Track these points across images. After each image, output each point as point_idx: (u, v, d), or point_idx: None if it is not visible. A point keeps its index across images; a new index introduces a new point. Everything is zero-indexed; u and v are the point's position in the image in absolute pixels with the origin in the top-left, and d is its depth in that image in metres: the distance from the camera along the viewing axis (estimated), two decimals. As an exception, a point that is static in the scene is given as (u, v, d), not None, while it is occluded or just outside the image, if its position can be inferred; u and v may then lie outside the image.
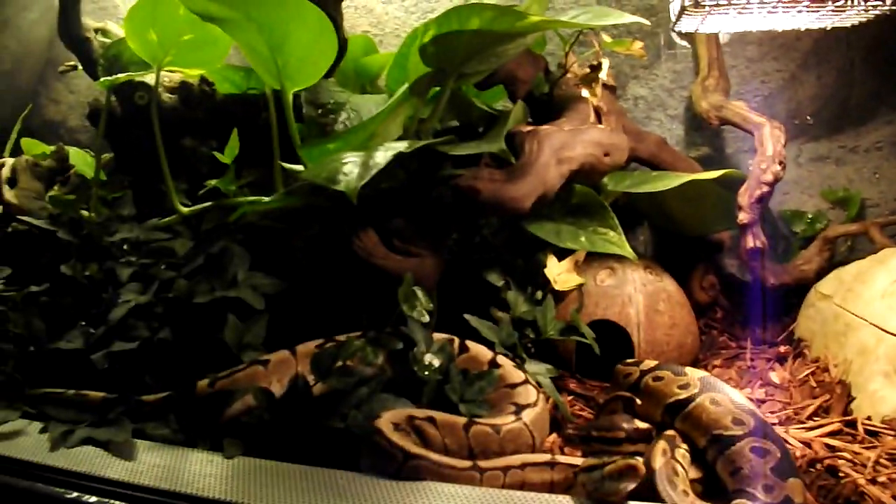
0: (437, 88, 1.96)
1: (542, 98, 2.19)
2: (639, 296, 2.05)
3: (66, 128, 3.26)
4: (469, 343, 1.78)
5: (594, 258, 2.11)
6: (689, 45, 2.53)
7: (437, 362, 1.68)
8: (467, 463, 1.41)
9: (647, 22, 1.91)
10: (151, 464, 1.45)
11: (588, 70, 2.14)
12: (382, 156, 1.64)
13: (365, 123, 1.87)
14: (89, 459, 1.48)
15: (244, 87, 2.41)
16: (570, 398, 1.89)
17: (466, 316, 1.84)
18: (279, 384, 1.65)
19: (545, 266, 2.04)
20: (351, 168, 1.64)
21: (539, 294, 2.02)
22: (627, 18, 1.87)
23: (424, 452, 1.40)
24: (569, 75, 2.19)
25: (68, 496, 1.40)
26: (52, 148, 2.58)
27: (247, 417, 1.57)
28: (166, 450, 1.52)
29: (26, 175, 2.37)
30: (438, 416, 1.53)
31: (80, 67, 2.60)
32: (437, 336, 1.75)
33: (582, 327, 1.94)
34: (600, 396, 1.88)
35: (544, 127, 1.98)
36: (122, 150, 2.36)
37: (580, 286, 2.06)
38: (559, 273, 2.05)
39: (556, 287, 2.03)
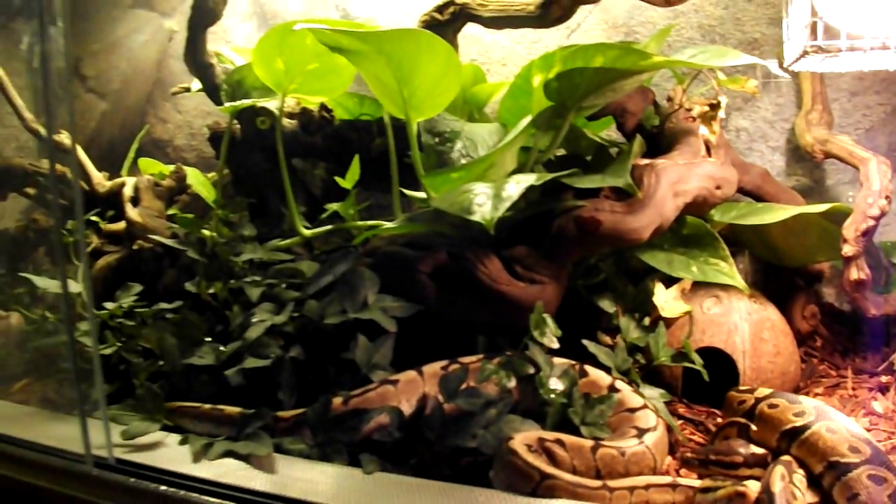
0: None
1: (651, 131, 2.24)
2: (744, 324, 2.08)
3: (172, 146, 3.37)
4: (588, 367, 1.83)
5: (699, 287, 2.15)
6: (789, 77, 2.56)
7: (560, 386, 1.74)
8: (598, 483, 1.46)
9: (763, 62, 1.96)
10: (294, 477, 1.53)
11: (707, 108, 2.19)
12: (515, 188, 1.71)
13: (490, 155, 1.94)
14: (232, 472, 1.56)
15: (356, 114, 2.50)
16: (679, 422, 1.94)
17: (585, 342, 1.89)
18: (408, 403, 1.72)
19: (654, 294, 2.09)
20: (483, 199, 1.71)
21: (647, 321, 2.07)
22: (745, 59, 1.92)
23: (559, 472, 1.45)
24: (682, 110, 2.24)
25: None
26: (170, 167, 2.69)
27: (379, 435, 1.65)
28: (305, 464, 1.59)
29: (148, 194, 2.48)
30: (566, 438, 1.59)
31: (192, 89, 2.71)
32: (558, 361, 1.81)
33: (692, 354, 1.98)
34: (709, 421, 1.93)
35: (661, 161, 2.03)
36: (240, 172, 2.46)
37: (688, 314, 2.10)
38: (667, 301, 2.10)
39: (664, 314, 2.08)
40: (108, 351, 2.03)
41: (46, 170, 2.82)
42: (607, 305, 2.06)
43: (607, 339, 2.00)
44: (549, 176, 1.82)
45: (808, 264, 2.40)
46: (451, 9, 2.20)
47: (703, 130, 2.15)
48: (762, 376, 2.03)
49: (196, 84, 2.71)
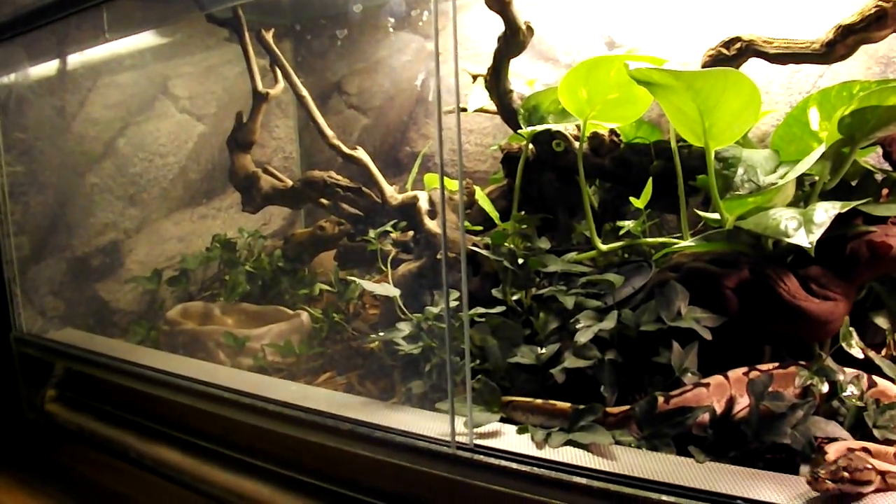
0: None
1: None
2: None
3: (433, 161, 3.65)
4: (876, 378, 2.02)
5: (963, 308, 2.30)
6: None
7: (856, 392, 1.95)
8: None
9: None
10: (634, 463, 1.76)
11: None
12: (824, 215, 1.91)
13: (786, 184, 2.14)
14: (577, 457, 1.81)
15: (631, 137, 2.73)
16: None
17: (870, 353, 2.09)
18: (718, 404, 1.93)
19: (920, 313, 2.26)
20: (795, 224, 1.91)
21: (913, 337, 2.24)
22: None
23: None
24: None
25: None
26: (456, 182, 2.97)
27: (697, 430, 1.88)
28: (640, 453, 1.83)
29: (446, 207, 2.75)
30: (871, 446, 1.76)
31: (469, 110, 2.98)
32: (849, 370, 2.01)
33: (962, 367, 2.15)
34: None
35: (943, 190, 2.20)
36: (531, 190, 2.71)
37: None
38: (932, 319, 2.27)
39: (927, 332, 2.25)
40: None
41: (344, 182, 3.14)
42: (882, 322, 2.23)
43: (874, 354, 2.17)
44: (853, 204, 2.00)
45: None
46: (738, 45, 2.37)
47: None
48: None
49: (472, 105, 2.98)
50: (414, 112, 3.78)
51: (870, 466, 1.60)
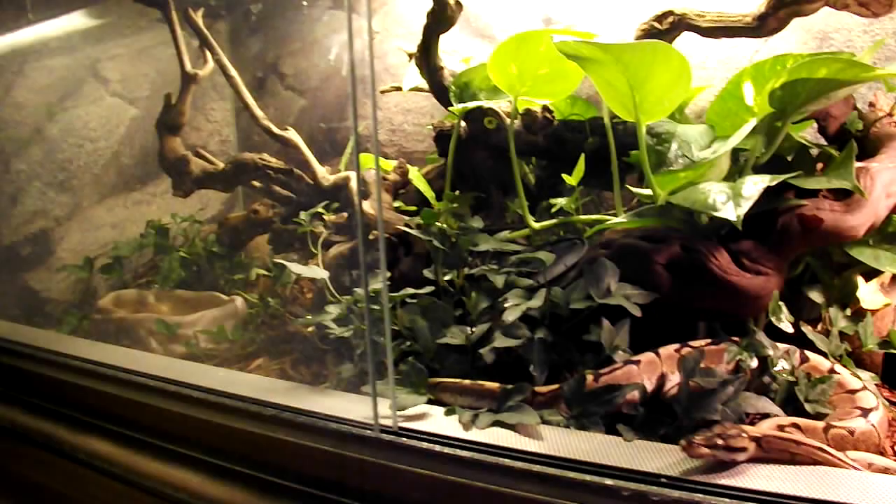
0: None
1: (855, 134, 2.38)
2: (940, 315, 2.22)
3: (372, 142, 3.59)
4: (808, 353, 1.99)
5: (896, 280, 2.29)
6: None
7: (787, 367, 1.92)
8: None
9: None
10: (562, 443, 1.70)
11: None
12: (753, 188, 1.88)
13: (719, 158, 2.11)
14: (504, 438, 1.76)
15: (567, 114, 2.69)
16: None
17: (803, 328, 2.06)
18: (649, 381, 1.90)
19: (856, 286, 2.24)
20: (724, 198, 1.88)
21: (848, 312, 2.21)
22: (961, 69, 2.05)
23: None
24: (888, 115, 2.38)
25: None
26: (392, 162, 2.92)
27: (627, 409, 1.84)
28: (568, 432, 1.78)
29: (380, 188, 2.70)
30: (801, 421, 1.74)
31: (403, 89, 2.92)
32: (781, 345, 1.98)
33: (896, 342, 2.13)
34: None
35: (875, 164, 2.17)
36: (464, 168, 2.66)
37: (888, 306, 2.24)
38: (868, 293, 2.25)
39: (864, 306, 2.22)
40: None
41: (275, 164, 3.07)
42: (817, 297, 2.21)
43: (809, 329, 2.15)
44: (782, 177, 1.98)
45: None
46: (671, 19, 2.35)
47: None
48: (958, 366, 2.16)
49: (407, 84, 2.93)
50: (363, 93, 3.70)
51: (744, 434, 1.58)
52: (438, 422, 1.88)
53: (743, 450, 1.57)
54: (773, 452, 1.60)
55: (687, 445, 1.55)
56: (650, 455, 1.62)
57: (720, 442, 1.55)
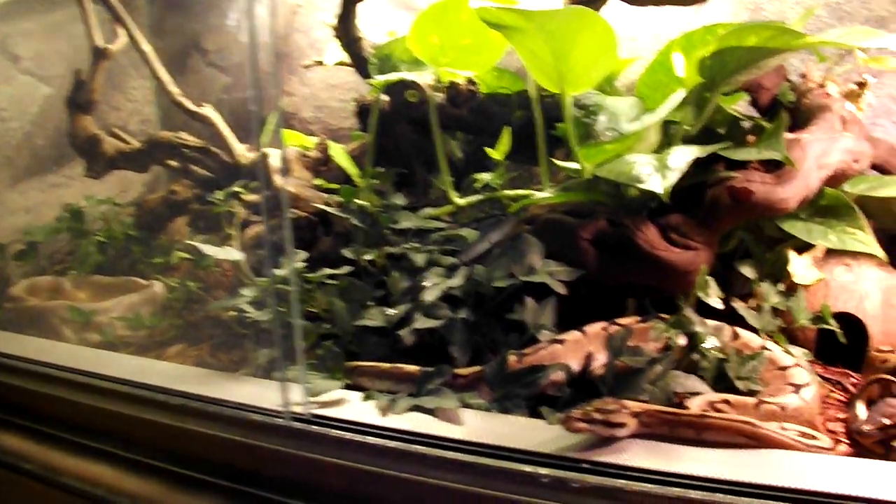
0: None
1: (787, 106, 2.32)
2: (875, 291, 2.15)
3: (297, 119, 3.49)
4: (739, 330, 1.93)
5: (830, 255, 2.21)
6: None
7: (717, 344, 1.85)
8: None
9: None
10: (483, 427, 1.62)
11: (855, 87, 2.28)
12: (681, 159, 1.81)
13: (646, 129, 2.03)
14: (422, 424, 1.66)
15: (494, 87, 2.60)
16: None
17: (734, 303, 2.00)
18: (575, 361, 1.82)
19: (788, 261, 2.18)
20: (650, 170, 1.81)
21: (781, 287, 2.16)
22: (890, 40, 1.99)
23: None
24: (819, 87, 2.32)
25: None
26: (314, 139, 2.82)
27: (552, 390, 1.76)
28: (489, 416, 1.69)
29: (298, 165, 2.60)
30: (732, 398, 1.68)
31: (325, 63, 2.82)
32: (710, 322, 1.91)
33: (829, 318, 2.07)
34: (845, 381, 2.01)
35: (806, 135, 2.11)
36: (386, 144, 2.57)
37: (821, 281, 2.18)
38: (801, 268, 2.19)
39: (797, 281, 2.16)
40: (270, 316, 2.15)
41: (192, 142, 2.95)
42: (749, 272, 2.15)
43: (740, 304, 2.09)
44: (711, 148, 1.91)
45: (933, 236, 2.46)
46: (598, -14, 2.28)
47: (850, 107, 2.23)
48: (891, 340, 2.10)
49: (330, 58, 2.83)
50: (276, 69, 3.59)
51: (625, 409, 1.51)
52: (355, 408, 1.79)
53: (622, 425, 1.50)
54: (654, 427, 1.53)
55: (565, 420, 1.48)
56: (573, 439, 1.53)
57: (598, 417, 1.48)
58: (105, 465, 2.19)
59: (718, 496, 1.32)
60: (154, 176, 3.99)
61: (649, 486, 1.37)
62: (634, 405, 1.54)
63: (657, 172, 1.80)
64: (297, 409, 1.76)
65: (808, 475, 1.36)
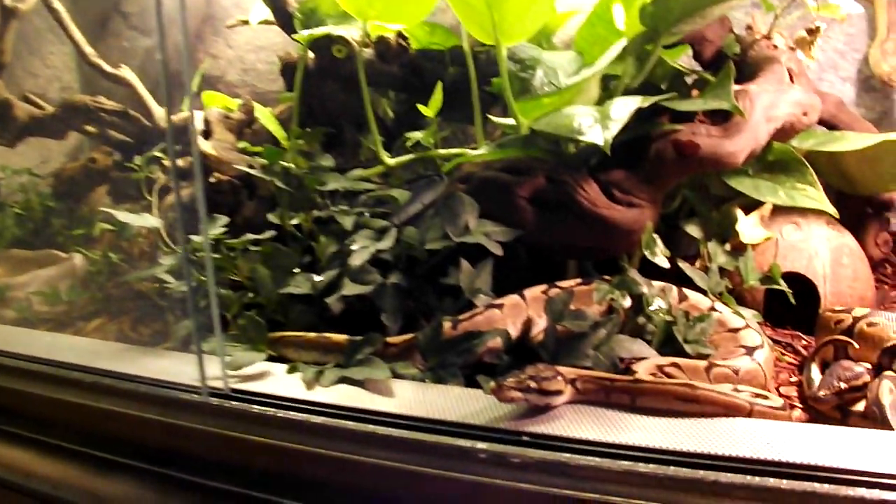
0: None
1: (732, 58, 2.23)
2: (824, 250, 2.09)
3: (224, 82, 3.36)
4: (686, 291, 1.85)
5: (778, 213, 2.14)
6: (861, 9, 2.55)
7: (663, 306, 1.76)
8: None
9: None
10: (415, 399, 1.52)
11: (805, 34, 2.20)
12: (623, 110, 1.71)
13: (584, 82, 1.94)
14: (350, 397, 1.55)
15: (426, 43, 2.49)
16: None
17: (681, 264, 1.91)
18: (514, 327, 1.72)
19: (736, 220, 2.09)
20: (591, 122, 1.71)
21: (728, 246, 2.07)
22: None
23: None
24: (766, 38, 2.24)
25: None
26: (236, 101, 2.68)
27: (490, 357, 1.65)
28: (422, 386, 1.59)
29: (220, 127, 2.46)
30: (681, 361, 1.61)
31: (251, 22, 2.68)
32: (657, 283, 1.82)
33: (778, 278, 1.99)
34: (796, 342, 1.94)
35: (753, 86, 2.02)
36: (313, 103, 2.44)
37: (770, 239, 2.11)
38: (749, 227, 2.11)
39: (745, 240, 2.08)
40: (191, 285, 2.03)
41: (109, 106, 2.81)
42: (695, 231, 2.06)
43: (687, 265, 2.01)
44: (655, 98, 1.81)
45: (880, 192, 2.40)
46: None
47: (801, 56, 2.15)
48: (841, 301, 2.04)
49: (255, 17, 2.69)
50: (200, 31, 3.45)
51: (560, 377, 1.41)
52: (278, 381, 1.66)
53: (558, 392, 1.40)
54: (590, 394, 1.44)
55: (496, 389, 1.37)
56: (511, 409, 1.43)
57: (533, 385, 1.38)
58: (20, 449, 2.05)
59: (672, 469, 1.22)
60: (77, 145, 3.83)
61: (596, 458, 1.27)
62: (569, 371, 1.44)
63: (598, 124, 1.70)
64: (216, 384, 1.64)
65: (766, 444, 1.27)
